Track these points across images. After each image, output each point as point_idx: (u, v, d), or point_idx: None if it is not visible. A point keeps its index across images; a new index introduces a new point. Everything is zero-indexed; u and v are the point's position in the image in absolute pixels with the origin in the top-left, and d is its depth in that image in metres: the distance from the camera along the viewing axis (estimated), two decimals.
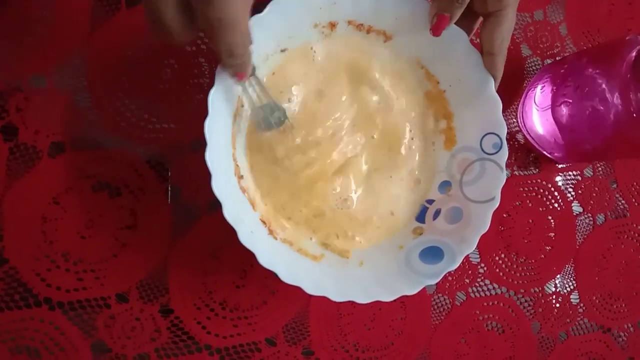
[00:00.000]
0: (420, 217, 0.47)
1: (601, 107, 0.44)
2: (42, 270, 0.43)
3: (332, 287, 0.40)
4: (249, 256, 0.37)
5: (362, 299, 0.39)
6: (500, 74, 0.44)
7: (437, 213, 0.46)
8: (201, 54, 0.46)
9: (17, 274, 0.43)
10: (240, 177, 0.41)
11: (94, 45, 0.45)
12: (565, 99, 0.48)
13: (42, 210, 0.43)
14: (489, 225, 0.42)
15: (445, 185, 0.47)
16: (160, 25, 0.30)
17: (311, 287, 0.38)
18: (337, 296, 0.39)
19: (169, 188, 0.45)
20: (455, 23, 0.42)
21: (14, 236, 0.43)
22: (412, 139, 0.47)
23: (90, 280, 0.44)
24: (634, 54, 0.43)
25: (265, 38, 0.40)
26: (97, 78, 0.45)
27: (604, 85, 0.44)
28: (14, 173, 0.43)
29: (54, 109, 0.44)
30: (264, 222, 0.42)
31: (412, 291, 0.40)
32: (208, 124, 0.36)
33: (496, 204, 0.42)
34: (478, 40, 0.44)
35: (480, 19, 0.45)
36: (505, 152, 0.43)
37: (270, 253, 0.39)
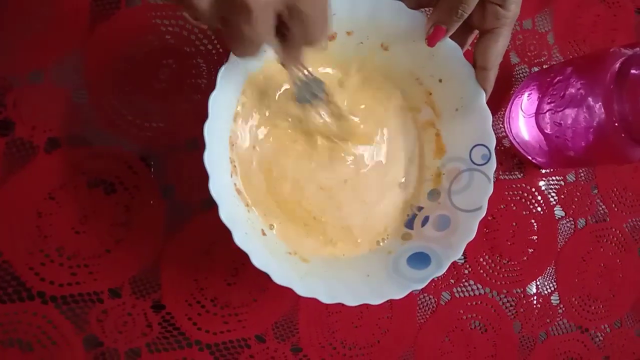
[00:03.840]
0: (409, 224, 0.48)
1: (585, 116, 0.45)
2: (36, 264, 0.43)
3: (322, 289, 0.41)
4: (241, 254, 0.38)
5: (351, 301, 0.40)
6: (491, 88, 0.45)
7: (426, 220, 0.47)
8: (199, 54, 0.47)
9: (11, 267, 0.43)
10: (236, 179, 0.42)
11: (92, 42, 0.45)
12: (551, 107, 0.49)
13: (37, 205, 0.44)
14: (475, 233, 0.43)
15: (434, 194, 0.48)
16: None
17: (302, 289, 0.39)
18: (326, 298, 0.40)
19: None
20: (451, 36, 0.44)
21: (8, 230, 0.43)
22: (404, 146, 0.49)
23: (84, 275, 0.44)
24: (617, 65, 0.44)
25: None
26: (95, 75, 0.45)
27: (588, 95, 0.45)
28: (10, 168, 0.43)
29: (51, 105, 0.44)
30: (257, 224, 0.43)
31: (400, 295, 0.41)
32: (208, 127, 0.36)
33: (483, 213, 0.43)
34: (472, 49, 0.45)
35: (475, 33, 0.46)
36: (493, 164, 0.44)
37: (263, 254, 0.40)
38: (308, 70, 0.41)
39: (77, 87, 0.45)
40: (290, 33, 0.33)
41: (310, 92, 0.43)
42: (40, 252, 0.43)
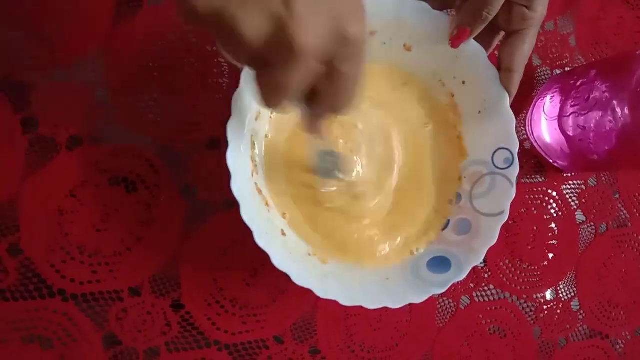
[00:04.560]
0: None
1: (610, 119, 0.45)
2: (57, 262, 0.43)
3: (341, 291, 0.40)
4: (261, 255, 0.38)
5: (370, 304, 0.40)
6: (516, 90, 0.44)
7: (447, 224, 0.47)
8: (221, 54, 0.47)
9: (33, 265, 0.43)
10: (257, 178, 0.42)
11: (115, 41, 0.45)
12: (574, 110, 0.49)
13: (59, 202, 0.44)
14: (497, 238, 0.43)
15: (456, 197, 0.47)
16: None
17: (321, 291, 0.39)
18: (346, 300, 0.40)
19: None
20: (476, 37, 0.43)
21: (30, 228, 0.43)
22: (426, 149, 0.48)
23: (104, 273, 0.44)
24: None
25: None
26: (117, 74, 0.45)
27: (613, 99, 0.45)
28: (33, 165, 0.43)
29: (73, 103, 0.44)
30: (277, 224, 0.43)
31: (420, 300, 0.41)
32: (230, 125, 0.36)
33: (505, 217, 0.43)
34: (496, 53, 0.45)
35: (501, 34, 0.46)
36: (516, 168, 0.44)
37: (284, 255, 0.40)
38: (329, 146, 0.41)
39: (100, 86, 0.45)
40: (318, 97, 0.31)
41: (328, 167, 0.43)
42: (62, 250, 0.44)
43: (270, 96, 0.29)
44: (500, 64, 0.44)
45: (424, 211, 0.47)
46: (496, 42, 0.47)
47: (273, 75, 0.28)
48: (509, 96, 0.44)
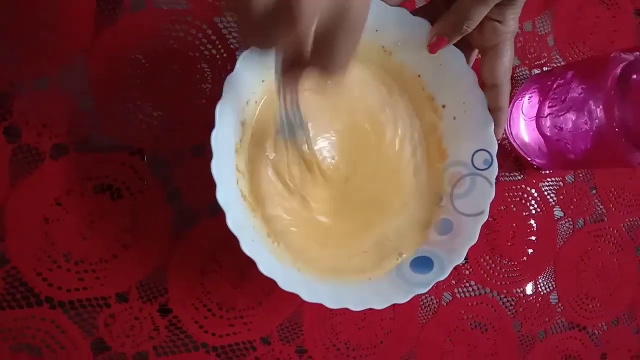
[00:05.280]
0: None
1: (586, 120, 0.46)
2: (44, 270, 0.44)
3: (327, 295, 0.41)
4: (247, 259, 0.38)
5: (356, 306, 0.41)
6: (508, 105, 0.45)
7: (429, 225, 0.48)
8: (204, 60, 0.47)
9: (19, 274, 0.43)
10: (243, 186, 0.43)
11: (98, 48, 0.45)
12: (552, 111, 0.50)
13: (45, 211, 0.44)
14: (477, 237, 0.44)
15: (437, 198, 0.48)
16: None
17: (307, 295, 0.40)
18: (331, 303, 0.40)
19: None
20: None
21: (16, 237, 0.43)
22: (406, 151, 0.49)
23: (91, 280, 0.45)
24: (619, 70, 0.44)
25: None
26: (101, 81, 0.45)
27: (589, 100, 0.46)
28: (17, 174, 0.43)
29: (57, 111, 0.44)
30: (263, 228, 0.43)
31: (404, 300, 0.42)
32: (215, 135, 0.37)
33: (485, 217, 0.44)
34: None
35: (476, 52, 0.47)
36: (495, 169, 0.45)
37: (270, 261, 0.40)
38: (299, 108, 0.39)
39: (83, 93, 0.45)
40: (314, 50, 0.30)
41: (292, 131, 0.41)
42: (48, 258, 0.44)
43: (267, 33, 0.29)
44: (485, 82, 0.45)
45: (405, 215, 0.48)
46: (473, 58, 0.48)
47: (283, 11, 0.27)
48: (501, 111, 0.45)
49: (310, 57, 0.30)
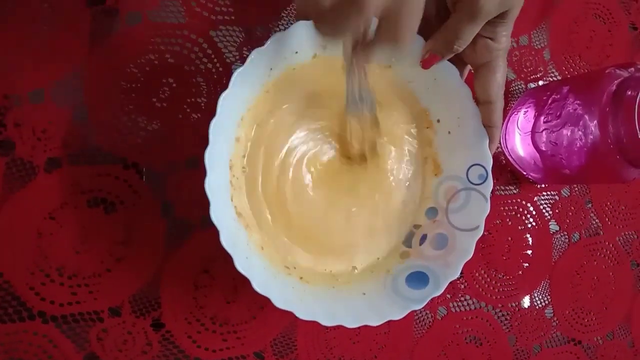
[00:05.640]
0: (407, 242, 0.48)
1: (580, 136, 0.46)
2: (37, 284, 0.44)
3: (322, 311, 0.41)
4: (240, 274, 0.38)
5: (351, 323, 0.41)
6: (501, 121, 0.45)
7: (424, 238, 0.47)
8: (199, 73, 0.47)
9: (12, 287, 0.43)
10: (237, 202, 0.42)
11: (93, 61, 0.45)
12: (547, 126, 0.50)
13: (38, 225, 0.44)
14: (472, 252, 0.44)
15: (432, 212, 0.48)
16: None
17: (302, 312, 0.40)
18: (326, 320, 0.40)
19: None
20: None
21: (8, 250, 0.43)
22: (402, 164, 0.49)
23: (84, 294, 0.44)
24: (614, 87, 0.45)
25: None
26: (95, 94, 0.45)
27: (584, 115, 0.46)
28: (10, 188, 0.43)
29: (51, 124, 0.44)
30: (258, 248, 0.43)
31: (399, 316, 0.42)
32: (208, 152, 0.36)
33: (480, 232, 0.44)
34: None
35: (468, 67, 0.47)
36: (490, 184, 0.45)
37: (264, 278, 0.40)
38: (367, 84, 0.40)
39: (77, 106, 0.45)
40: (382, 27, 0.33)
41: (361, 104, 0.42)
42: (41, 272, 0.44)
43: (338, 20, 0.32)
44: (478, 98, 0.45)
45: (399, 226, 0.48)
46: (466, 72, 0.48)
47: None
48: (496, 128, 0.45)
49: (379, 35, 0.34)
